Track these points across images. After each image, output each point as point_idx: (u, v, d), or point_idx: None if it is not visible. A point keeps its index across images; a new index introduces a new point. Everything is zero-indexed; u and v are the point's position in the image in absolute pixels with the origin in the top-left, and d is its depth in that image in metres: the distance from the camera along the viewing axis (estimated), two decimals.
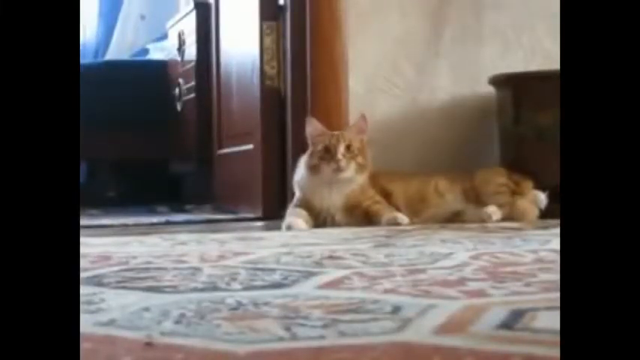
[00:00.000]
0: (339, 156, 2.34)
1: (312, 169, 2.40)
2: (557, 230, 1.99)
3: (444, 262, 1.45)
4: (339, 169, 2.35)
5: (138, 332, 0.89)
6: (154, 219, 2.98)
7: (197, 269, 1.40)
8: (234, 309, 1.01)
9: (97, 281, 1.29)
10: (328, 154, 2.36)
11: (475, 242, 1.79)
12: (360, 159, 2.39)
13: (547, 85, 2.50)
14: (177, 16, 4.27)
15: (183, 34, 3.99)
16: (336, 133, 2.42)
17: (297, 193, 2.47)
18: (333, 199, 2.39)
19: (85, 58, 5.25)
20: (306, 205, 2.41)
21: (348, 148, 2.36)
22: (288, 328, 0.88)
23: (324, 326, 0.89)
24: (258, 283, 1.24)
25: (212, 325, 0.91)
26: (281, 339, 0.84)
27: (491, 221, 2.38)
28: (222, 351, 0.81)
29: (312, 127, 2.44)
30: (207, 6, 3.70)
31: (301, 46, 2.82)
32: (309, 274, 1.31)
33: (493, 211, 2.41)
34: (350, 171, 2.36)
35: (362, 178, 2.40)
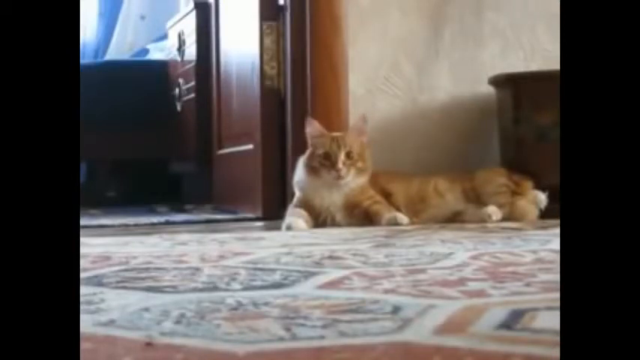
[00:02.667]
0: (340, 165, 2.34)
1: (312, 171, 2.40)
2: (557, 230, 1.99)
3: (444, 262, 1.45)
4: (339, 177, 2.35)
5: (138, 332, 0.89)
6: (154, 219, 2.98)
7: (197, 269, 1.41)
8: (234, 309, 1.01)
9: (97, 281, 1.29)
10: (328, 160, 2.36)
11: (475, 242, 1.79)
12: (360, 164, 2.39)
13: (547, 85, 2.50)
14: (177, 16, 4.27)
15: (183, 34, 3.99)
16: (336, 136, 2.41)
17: (297, 194, 2.48)
18: (333, 199, 2.40)
19: (85, 58, 5.25)
20: (306, 205, 2.41)
21: (348, 155, 2.36)
22: (288, 328, 0.88)
23: (324, 326, 0.89)
24: (258, 283, 1.24)
25: (212, 325, 0.91)
26: (281, 339, 0.84)
27: (491, 221, 2.38)
28: (222, 351, 0.81)
29: (312, 128, 2.43)
30: (207, 6, 3.70)
31: (301, 46, 2.82)
32: (309, 274, 1.31)
33: (493, 211, 2.41)
34: (350, 177, 2.37)
35: (362, 180, 2.41)
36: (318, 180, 2.39)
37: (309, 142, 2.43)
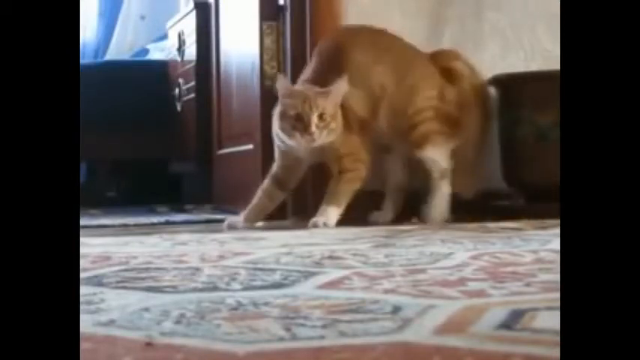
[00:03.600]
0: (313, 128, 2.27)
1: (284, 132, 2.35)
2: (557, 230, 1.99)
3: (444, 262, 1.45)
4: (312, 141, 2.29)
5: (138, 332, 0.89)
6: (154, 219, 2.98)
7: (197, 269, 1.41)
8: (234, 309, 1.01)
9: (97, 281, 1.29)
10: (301, 123, 2.29)
11: (475, 242, 1.79)
12: (332, 124, 2.31)
13: (547, 85, 2.50)
14: (177, 16, 4.27)
15: (183, 34, 3.99)
16: (309, 95, 2.30)
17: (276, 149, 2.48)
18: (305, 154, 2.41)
19: (85, 58, 5.25)
20: (283, 159, 2.44)
21: (320, 116, 2.29)
22: (288, 328, 0.88)
23: (324, 326, 0.89)
24: (258, 283, 1.24)
25: (212, 325, 0.91)
26: (281, 339, 0.84)
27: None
28: (222, 351, 0.81)
29: (283, 85, 2.37)
30: (207, 6, 3.70)
31: (301, 46, 2.82)
32: (309, 274, 1.31)
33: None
34: (322, 139, 2.30)
35: (335, 137, 2.35)
36: (290, 140, 2.36)
37: (280, 99, 2.37)
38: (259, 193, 2.52)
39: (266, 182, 2.52)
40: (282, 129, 2.35)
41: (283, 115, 2.35)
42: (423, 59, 2.58)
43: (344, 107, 2.38)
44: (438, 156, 2.48)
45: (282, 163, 2.48)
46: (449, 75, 2.57)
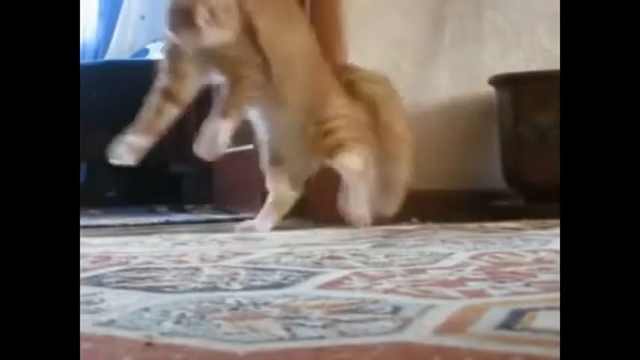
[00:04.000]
0: (201, 22, 2.05)
1: (171, 29, 2.17)
2: (557, 230, 1.99)
3: (444, 262, 1.45)
4: (199, 36, 2.08)
5: (138, 332, 0.89)
6: (154, 219, 2.98)
7: (197, 269, 1.41)
8: (234, 309, 1.01)
9: (97, 281, 1.29)
10: (189, 18, 2.06)
11: (475, 242, 1.79)
12: (226, 21, 2.08)
13: (547, 85, 2.50)
14: None
15: None
16: None
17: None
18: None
19: (85, 58, 5.26)
20: (170, 63, 2.26)
21: (210, 11, 2.05)
22: (288, 328, 0.88)
23: (324, 326, 0.89)
24: (258, 283, 1.24)
25: (212, 325, 0.91)
26: (281, 339, 0.84)
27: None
28: (222, 351, 0.81)
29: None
30: None
31: None
32: (309, 274, 1.31)
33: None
34: (214, 37, 2.09)
35: (230, 38, 2.13)
36: (176, 38, 2.18)
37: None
38: (144, 109, 2.30)
39: (152, 96, 2.29)
40: (169, 27, 2.13)
41: (171, 12, 2.11)
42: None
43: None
44: (353, 163, 2.30)
45: (169, 68, 2.24)
46: (349, 88, 2.38)
